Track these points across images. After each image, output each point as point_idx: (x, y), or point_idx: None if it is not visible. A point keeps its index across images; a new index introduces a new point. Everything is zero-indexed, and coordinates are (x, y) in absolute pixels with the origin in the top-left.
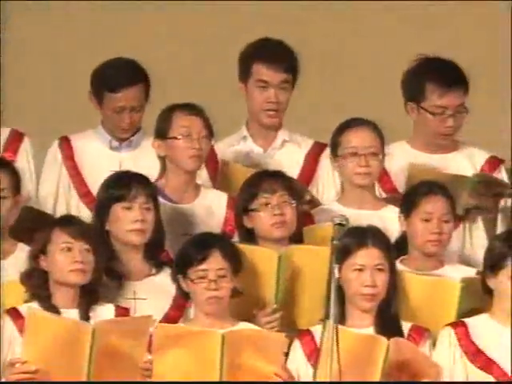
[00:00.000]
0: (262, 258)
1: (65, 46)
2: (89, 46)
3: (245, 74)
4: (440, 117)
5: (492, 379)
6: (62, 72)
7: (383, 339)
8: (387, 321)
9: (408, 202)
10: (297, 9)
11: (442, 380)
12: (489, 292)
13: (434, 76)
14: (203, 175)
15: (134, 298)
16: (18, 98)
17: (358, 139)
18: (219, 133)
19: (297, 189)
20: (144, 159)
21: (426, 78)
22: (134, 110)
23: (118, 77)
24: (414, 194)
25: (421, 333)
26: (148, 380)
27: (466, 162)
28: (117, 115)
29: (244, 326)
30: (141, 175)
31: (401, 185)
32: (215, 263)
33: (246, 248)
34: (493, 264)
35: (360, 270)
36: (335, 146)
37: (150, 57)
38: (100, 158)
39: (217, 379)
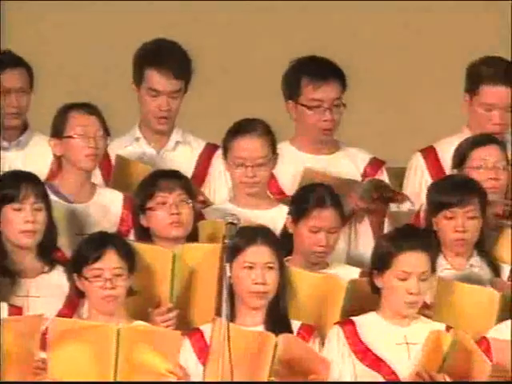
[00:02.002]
0: (158, 256)
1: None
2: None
3: (138, 77)
4: (317, 110)
5: (380, 378)
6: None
7: (271, 335)
8: (277, 319)
9: (298, 208)
10: (193, 11)
11: (330, 376)
12: (377, 291)
13: (308, 70)
14: (97, 175)
15: (27, 296)
16: None
17: (246, 150)
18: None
19: (193, 188)
20: (33, 158)
21: (300, 74)
22: (20, 91)
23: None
24: (305, 201)
25: (310, 331)
26: (41, 379)
27: (349, 163)
28: (3, 98)
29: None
30: (31, 174)
31: (287, 187)
32: (111, 262)
33: (142, 247)
34: (380, 263)
35: (250, 267)
36: (226, 150)
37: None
38: None
39: (111, 374)
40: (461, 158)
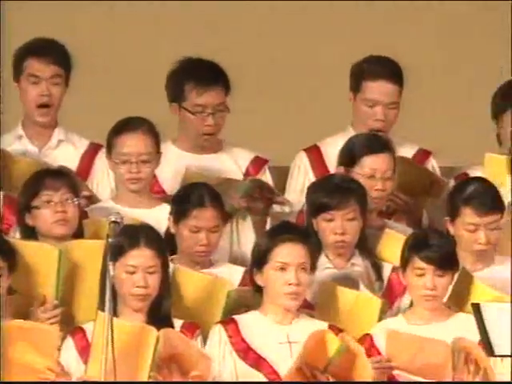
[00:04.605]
0: (42, 254)
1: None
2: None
3: (18, 71)
4: (200, 115)
5: (262, 377)
6: None
7: (153, 329)
8: (158, 319)
9: (178, 208)
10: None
11: (212, 373)
12: (259, 289)
13: (192, 75)
14: None
15: None
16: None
17: (130, 146)
18: None
19: (78, 185)
20: None
21: (184, 78)
22: None
23: None
24: (185, 201)
25: (192, 329)
26: None
27: (230, 162)
28: None
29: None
30: None
31: (168, 186)
32: None
33: (26, 244)
34: (258, 260)
35: (132, 271)
36: (110, 148)
37: None
38: None
39: None
40: (350, 159)
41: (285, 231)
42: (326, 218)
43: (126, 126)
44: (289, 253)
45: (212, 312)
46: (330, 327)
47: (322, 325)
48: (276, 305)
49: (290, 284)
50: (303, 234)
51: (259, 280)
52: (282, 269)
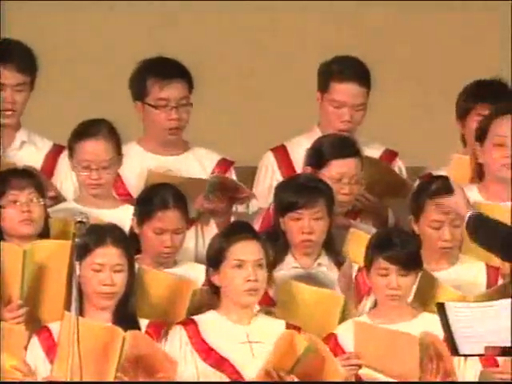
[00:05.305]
0: (7, 253)
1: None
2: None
3: None
4: (163, 109)
5: (224, 377)
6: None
7: (119, 330)
8: (124, 318)
9: (142, 209)
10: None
11: (176, 376)
12: (216, 290)
13: (154, 70)
14: None
15: None
16: None
17: (90, 153)
18: None
19: (44, 185)
20: None
21: (147, 74)
22: None
23: None
24: (149, 202)
25: (158, 329)
26: None
27: (196, 164)
28: None
29: None
30: None
31: (133, 188)
32: None
33: None
34: (214, 259)
35: (98, 269)
36: (71, 151)
37: None
38: None
39: None
40: (318, 160)
41: (238, 230)
42: (293, 217)
43: (86, 130)
44: (245, 250)
45: (177, 312)
46: (289, 325)
47: (280, 323)
48: (234, 303)
49: (248, 280)
50: (256, 231)
51: (216, 280)
52: (239, 266)
